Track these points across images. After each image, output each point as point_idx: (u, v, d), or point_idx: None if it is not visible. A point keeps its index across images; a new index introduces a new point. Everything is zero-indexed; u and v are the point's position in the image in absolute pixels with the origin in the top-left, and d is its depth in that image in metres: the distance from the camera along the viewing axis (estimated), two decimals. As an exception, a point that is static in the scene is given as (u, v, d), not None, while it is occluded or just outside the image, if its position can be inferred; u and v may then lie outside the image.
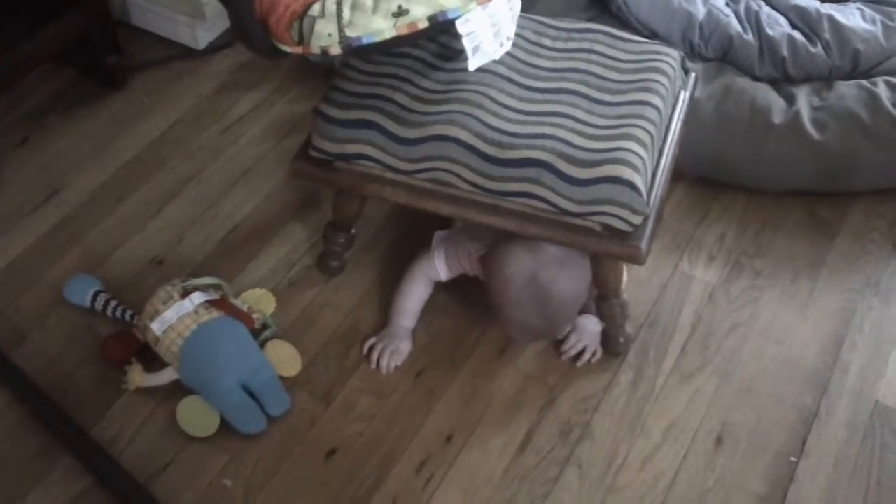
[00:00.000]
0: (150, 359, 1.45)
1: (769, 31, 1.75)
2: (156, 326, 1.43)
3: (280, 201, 1.77)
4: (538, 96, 1.34)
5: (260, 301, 1.58)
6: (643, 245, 1.28)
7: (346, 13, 1.18)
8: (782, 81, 1.76)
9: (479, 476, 1.37)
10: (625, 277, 1.44)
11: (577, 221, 1.29)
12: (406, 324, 1.52)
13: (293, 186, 1.79)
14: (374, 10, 1.18)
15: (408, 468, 1.38)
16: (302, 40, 1.21)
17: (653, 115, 1.32)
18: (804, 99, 1.70)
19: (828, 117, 1.66)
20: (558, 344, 1.51)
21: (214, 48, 2.09)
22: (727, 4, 1.81)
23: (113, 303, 1.53)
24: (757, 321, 1.55)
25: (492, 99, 1.33)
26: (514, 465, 1.38)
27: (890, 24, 1.77)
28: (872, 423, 1.42)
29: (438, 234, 1.52)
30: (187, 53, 2.07)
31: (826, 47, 1.74)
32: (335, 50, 1.20)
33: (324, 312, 1.59)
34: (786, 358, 1.50)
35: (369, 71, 1.40)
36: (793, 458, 1.38)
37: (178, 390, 1.43)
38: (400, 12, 1.18)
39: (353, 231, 1.60)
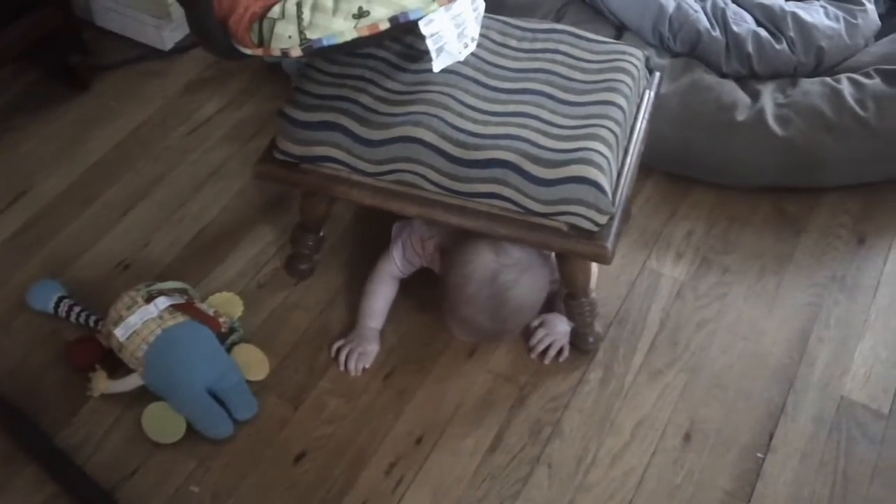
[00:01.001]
0: (115, 365, 1.44)
1: (735, 28, 1.76)
2: (120, 332, 1.41)
3: (248, 203, 1.76)
4: (503, 97, 1.34)
5: (227, 304, 1.56)
6: (609, 244, 1.28)
7: (307, 15, 1.17)
8: (748, 78, 1.77)
9: (450, 477, 1.37)
10: (594, 276, 1.45)
11: (544, 221, 1.29)
12: (373, 324, 1.51)
13: (261, 188, 1.77)
14: (335, 11, 1.17)
15: (378, 470, 1.37)
16: (262, 42, 1.20)
17: (617, 114, 1.33)
18: (769, 96, 1.71)
19: (792, 114, 1.67)
20: (528, 343, 1.51)
21: (181, 49, 2.07)
22: (695, 1, 1.82)
23: (77, 308, 1.51)
24: (725, 317, 1.56)
25: (457, 100, 1.33)
26: (485, 465, 1.38)
27: (853, 21, 1.79)
28: (838, 418, 1.43)
29: (396, 226, 1.52)
30: (154, 54, 2.05)
31: (791, 44, 1.75)
32: (296, 52, 1.19)
33: (292, 314, 1.58)
34: (753, 353, 1.51)
35: (333, 72, 1.39)
36: (760, 454, 1.39)
37: (143, 396, 1.41)
38: (360, 13, 1.17)
39: (321, 233, 1.59)
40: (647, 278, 1.62)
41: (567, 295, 1.43)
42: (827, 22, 1.77)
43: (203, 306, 1.49)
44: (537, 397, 1.46)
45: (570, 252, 1.31)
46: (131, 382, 1.42)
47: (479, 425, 1.43)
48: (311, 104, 1.35)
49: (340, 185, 1.37)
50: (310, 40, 1.18)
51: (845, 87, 1.68)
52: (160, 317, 1.43)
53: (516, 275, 1.33)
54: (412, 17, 1.19)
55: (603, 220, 1.27)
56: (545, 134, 1.28)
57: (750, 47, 1.75)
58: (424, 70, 1.35)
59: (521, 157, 1.26)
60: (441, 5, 1.21)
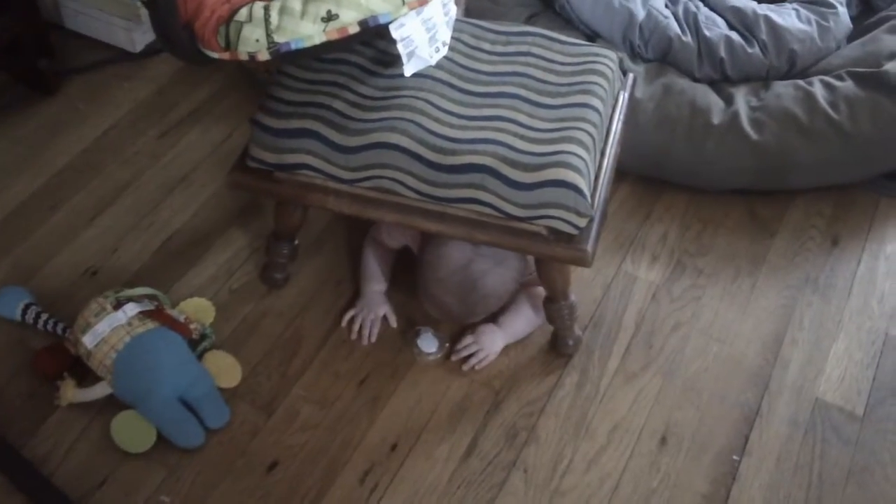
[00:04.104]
0: (84, 373, 1.41)
1: (707, 33, 1.76)
2: (88, 340, 1.39)
3: (220, 207, 1.74)
4: (478, 100, 1.33)
5: (198, 310, 1.54)
6: (589, 247, 1.27)
7: (274, 18, 1.15)
8: (721, 82, 1.78)
9: (425, 484, 1.35)
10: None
11: (523, 226, 1.28)
12: (376, 287, 1.52)
13: (233, 193, 1.75)
14: (303, 14, 1.15)
15: (352, 478, 1.36)
16: (229, 45, 1.18)
17: (593, 116, 1.32)
18: (742, 99, 1.71)
19: (765, 117, 1.68)
20: (502, 350, 1.50)
21: (151, 51, 2.04)
22: (666, 6, 1.82)
23: (44, 316, 1.48)
24: (699, 320, 1.56)
25: (432, 104, 1.31)
26: (460, 471, 1.37)
27: (825, 24, 1.80)
28: (813, 420, 1.43)
29: None
30: (124, 57, 2.02)
31: (763, 48, 1.75)
32: (263, 55, 1.17)
33: (265, 321, 1.56)
34: (728, 356, 1.51)
35: (306, 78, 1.37)
36: (735, 457, 1.39)
37: (112, 405, 1.39)
38: (329, 17, 1.16)
39: (296, 242, 1.57)
40: (623, 281, 1.62)
41: (546, 298, 1.42)
42: (799, 25, 1.78)
43: (173, 312, 1.47)
44: (513, 402, 1.45)
45: (551, 256, 1.31)
46: (100, 391, 1.39)
47: (454, 431, 1.42)
48: (284, 111, 1.33)
49: (316, 193, 1.36)
50: (277, 44, 1.16)
51: (818, 90, 1.69)
52: (129, 324, 1.40)
53: (490, 265, 1.36)
54: (382, 20, 1.18)
55: (582, 223, 1.26)
56: (522, 137, 1.27)
57: (722, 52, 1.75)
58: (398, 75, 1.34)
59: (499, 161, 1.25)
60: (411, 9, 1.20)
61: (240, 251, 1.66)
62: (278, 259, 1.57)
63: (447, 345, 1.51)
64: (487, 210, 1.28)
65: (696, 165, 1.70)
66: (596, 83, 1.36)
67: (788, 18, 1.78)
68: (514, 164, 1.25)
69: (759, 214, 1.73)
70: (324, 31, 1.16)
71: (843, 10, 1.81)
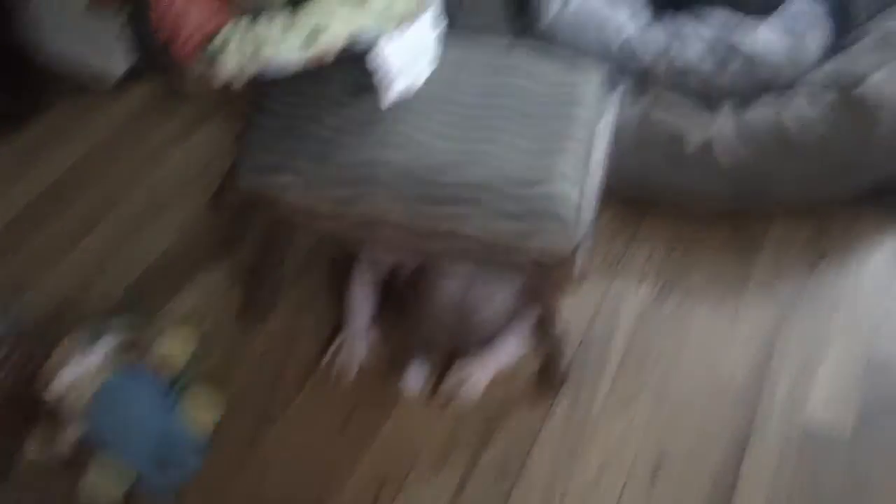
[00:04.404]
0: (54, 419, 1.36)
1: (681, 60, 1.75)
2: (60, 381, 1.34)
3: (201, 234, 1.69)
4: (465, 117, 1.31)
5: (180, 341, 1.49)
6: (578, 269, 1.26)
7: (255, 38, 1.12)
8: (697, 106, 1.76)
9: (415, 523, 1.32)
10: None
11: (514, 243, 1.25)
12: (360, 322, 1.50)
13: (214, 219, 1.71)
14: (287, 32, 1.12)
15: (339, 519, 1.32)
16: (212, 63, 1.14)
17: (580, 132, 1.30)
18: (720, 120, 1.70)
19: (739, 142, 1.67)
20: (491, 379, 1.47)
21: (129, 79, 1.99)
22: (639, 36, 1.80)
23: (12, 357, 1.42)
24: (688, 341, 1.55)
25: (417, 125, 1.29)
26: (452, 506, 1.34)
27: (797, 45, 1.78)
28: (805, 442, 1.42)
29: None
30: (100, 86, 1.97)
31: (737, 72, 1.74)
32: (244, 74, 1.13)
33: (247, 353, 1.52)
34: (717, 378, 1.50)
35: (290, 102, 1.34)
36: (730, 483, 1.37)
37: (83, 452, 1.34)
38: (311, 36, 1.13)
39: (279, 273, 1.53)
40: (611, 303, 1.60)
41: (536, 324, 1.40)
42: (774, 45, 1.77)
43: (152, 347, 1.42)
44: (503, 435, 1.42)
45: (541, 276, 1.28)
46: (71, 437, 1.34)
47: (444, 468, 1.39)
48: (270, 132, 1.30)
49: (302, 216, 1.32)
50: (260, 63, 1.13)
51: (793, 108, 1.68)
52: (106, 361, 1.36)
53: (482, 298, 1.34)
54: (366, 37, 1.15)
55: (570, 244, 1.24)
56: (511, 152, 1.26)
57: (698, 77, 1.74)
58: (378, 102, 1.31)
59: (489, 178, 1.22)
60: (395, 28, 1.17)
61: (222, 279, 1.63)
62: (261, 289, 1.53)
63: (434, 377, 1.47)
64: (476, 231, 1.25)
65: (676, 189, 1.69)
66: (581, 97, 1.35)
67: (760, 43, 1.76)
68: (500, 188, 1.22)
69: (742, 235, 1.71)
70: (308, 48, 1.13)
71: (822, 24, 1.80)
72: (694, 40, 1.77)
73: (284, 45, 1.13)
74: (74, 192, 1.76)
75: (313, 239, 1.67)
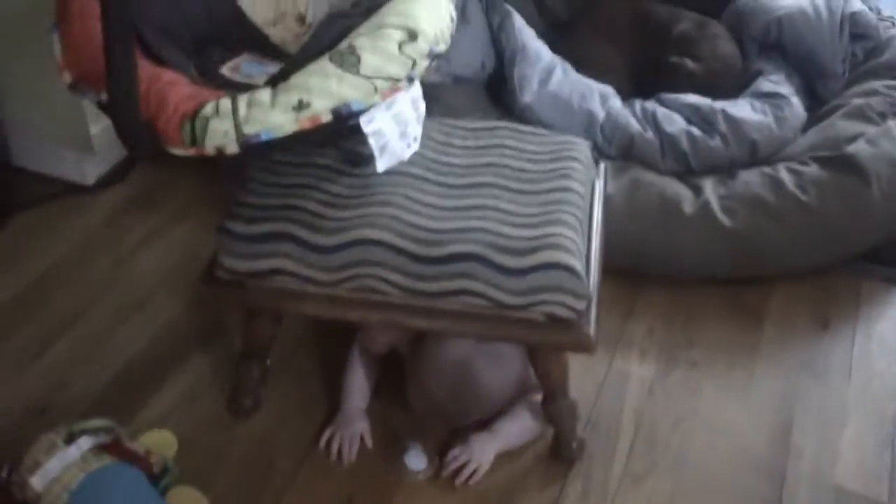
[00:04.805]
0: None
1: (668, 128, 1.77)
2: (37, 481, 1.23)
3: (180, 333, 1.63)
4: (457, 192, 1.28)
5: (160, 443, 1.40)
6: (591, 331, 1.20)
7: (243, 110, 1.10)
8: (686, 174, 1.76)
9: None
10: None
11: (518, 314, 1.20)
12: (355, 404, 1.42)
13: (193, 316, 1.65)
14: (273, 105, 1.10)
15: None
16: (195, 141, 1.11)
17: (576, 199, 1.28)
18: (710, 188, 1.71)
19: (735, 204, 1.66)
20: (497, 458, 1.38)
21: (105, 183, 1.97)
22: (623, 107, 1.83)
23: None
24: (700, 413, 1.48)
25: (409, 198, 1.26)
26: None
27: (780, 114, 1.82)
28: (839, 508, 1.33)
29: None
30: (75, 190, 1.95)
31: (723, 139, 1.76)
32: (232, 148, 1.10)
33: (233, 449, 1.42)
34: (737, 449, 1.42)
35: (275, 182, 1.31)
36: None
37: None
38: (301, 106, 1.10)
39: (268, 362, 1.46)
40: (615, 379, 1.53)
41: (545, 398, 1.33)
42: (755, 116, 1.80)
43: (132, 445, 1.33)
44: (515, 517, 1.32)
45: (549, 343, 1.23)
46: (51, 540, 1.23)
47: (455, 554, 1.28)
48: (254, 216, 1.26)
49: (292, 299, 1.27)
50: (247, 136, 1.10)
51: (784, 175, 1.69)
52: (83, 459, 1.26)
53: (490, 362, 1.28)
54: (354, 108, 1.13)
55: (581, 305, 1.19)
56: (508, 224, 1.22)
57: (684, 145, 1.75)
58: (370, 174, 1.29)
59: (488, 248, 1.18)
60: (383, 98, 1.16)
61: (202, 376, 1.54)
62: (247, 383, 1.45)
63: (437, 459, 1.38)
64: (479, 301, 1.20)
65: (672, 255, 1.67)
66: (573, 168, 1.33)
67: (744, 110, 1.80)
68: (503, 250, 1.18)
69: (743, 302, 1.68)
70: (295, 120, 1.10)
71: (795, 101, 1.84)
72: (678, 108, 1.78)
73: (269, 121, 1.11)
74: (46, 295, 1.70)
75: (301, 324, 1.61)
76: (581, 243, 1.23)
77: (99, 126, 1.87)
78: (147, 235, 1.85)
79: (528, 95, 1.76)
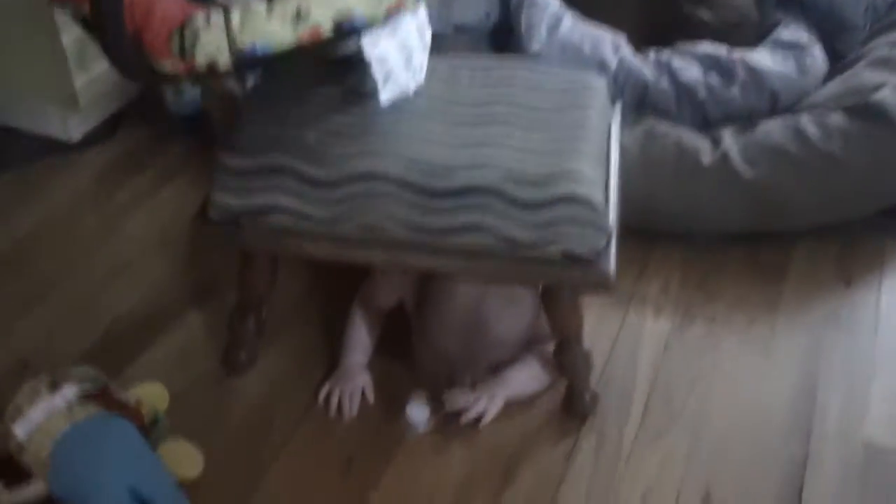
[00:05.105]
0: (14, 471, 1.16)
1: (683, 77, 1.69)
2: (19, 430, 1.16)
3: (171, 290, 1.55)
4: (466, 126, 1.20)
5: (150, 395, 1.32)
6: (610, 269, 1.12)
7: (236, 19, 1.02)
8: (703, 125, 1.69)
9: (435, 575, 1.12)
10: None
11: (533, 252, 1.12)
12: (356, 358, 1.34)
13: (185, 275, 1.58)
14: (269, 13, 1.02)
15: (345, 575, 1.12)
16: (184, 54, 1.03)
17: (593, 131, 1.20)
18: (729, 139, 1.63)
19: (757, 154, 1.58)
20: (506, 413, 1.30)
21: (91, 140, 1.89)
22: (634, 56, 1.75)
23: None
24: (720, 369, 1.40)
25: (415, 131, 1.18)
26: (476, 557, 1.14)
27: (802, 63, 1.74)
28: (868, 465, 1.26)
29: None
30: (59, 148, 1.86)
31: (742, 88, 1.68)
32: (224, 61, 1.02)
33: (229, 406, 1.35)
34: (759, 406, 1.35)
35: (272, 115, 1.23)
36: (792, 515, 1.19)
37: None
38: (300, 16, 1.02)
39: (263, 314, 1.38)
40: (629, 335, 1.46)
41: (558, 347, 1.25)
42: (776, 65, 1.72)
43: (121, 395, 1.25)
44: (526, 472, 1.25)
45: (566, 283, 1.15)
46: (33, 491, 1.15)
47: (462, 512, 1.20)
48: (251, 148, 1.18)
49: (291, 238, 1.19)
50: (241, 48, 1.02)
51: (807, 125, 1.61)
52: (68, 408, 1.18)
53: (502, 306, 1.19)
54: (357, 22, 1.06)
55: (600, 241, 1.11)
56: (522, 156, 1.14)
57: (702, 94, 1.68)
58: (373, 108, 1.21)
59: (500, 179, 1.10)
60: (389, 13, 1.08)
61: (196, 332, 1.46)
62: (243, 335, 1.37)
63: (440, 413, 1.30)
64: (491, 238, 1.12)
65: (689, 210, 1.59)
66: (589, 100, 1.25)
67: (764, 59, 1.72)
68: (517, 182, 1.10)
69: (762, 260, 1.60)
70: (294, 31, 1.02)
71: (817, 50, 1.76)
72: (694, 57, 1.71)
73: (265, 31, 1.03)
74: (31, 254, 1.62)
75: (300, 280, 1.53)
76: (600, 176, 1.16)
77: (84, 79, 1.79)
78: (136, 195, 1.77)
79: (537, 43, 1.68)
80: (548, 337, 1.28)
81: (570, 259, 1.12)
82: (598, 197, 1.11)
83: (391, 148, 1.14)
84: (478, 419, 1.28)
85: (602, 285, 1.13)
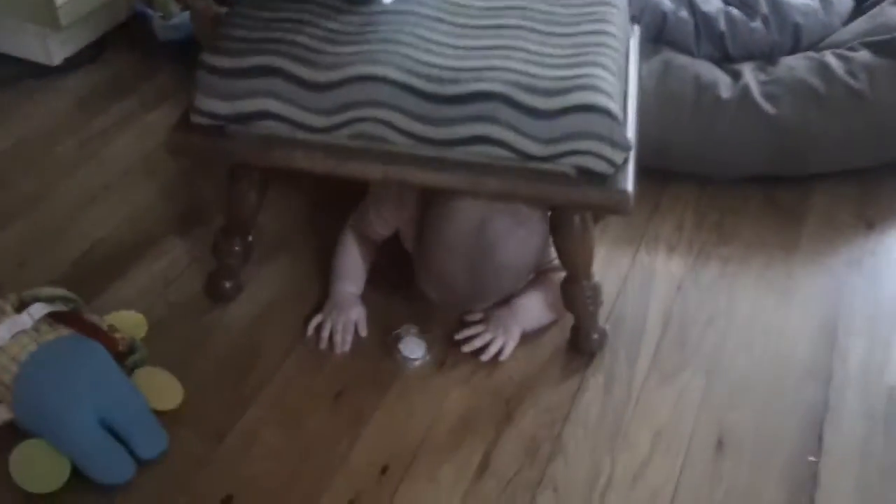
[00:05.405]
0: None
1: (703, 7, 1.60)
2: (-18, 350, 1.07)
3: (152, 216, 1.45)
4: (476, 32, 1.11)
5: (127, 324, 1.23)
6: (628, 187, 1.03)
7: None
8: (722, 60, 1.59)
9: (429, 512, 1.05)
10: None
11: (546, 167, 1.03)
12: (349, 288, 1.25)
13: (168, 200, 1.48)
14: None
15: (333, 510, 1.04)
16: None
17: (613, 43, 1.11)
18: (750, 74, 1.54)
19: (779, 90, 1.49)
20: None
21: (72, 65, 1.78)
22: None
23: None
24: (736, 311, 1.32)
25: (420, 37, 1.09)
26: (473, 494, 1.07)
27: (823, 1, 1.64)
28: (891, 411, 1.18)
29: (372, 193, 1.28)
30: (39, 71, 1.75)
31: (765, 22, 1.59)
32: None
33: (212, 335, 1.26)
34: (777, 349, 1.27)
35: (264, 17, 1.13)
36: (812, 458, 1.11)
37: (12, 434, 1.06)
38: None
39: (250, 238, 1.28)
40: (640, 274, 1.37)
41: (566, 279, 1.16)
42: (797, 2, 1.62)
43: (94, 318, 1.16)
44: (528, 410, 1.17)
45: (580, 203, 1.06)
46: (2, 416, 1.06)
47: (460, 448, 1.12)
48: (240, 48, 1.08)
49: (281, 147, 1.09)
50: None
51: (832, 61, 1.52)
52: (36, 329, 1.10)
53: (509, 225, 1.09)
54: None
55: (619, 157, 1.02)
56: (536, 63, 1.05)
57: (722, 26, 1.58)
58: (374, 12, 1.11)
59: (513, 87, 1.01)
60: None
61: (178, 259, 1.37)
62: (228, 259, 1.28)
63: (436, 349, 1.22)
64: (500, 151, 1.03)
65: (706, 148, 1.50)
66: (610, 13, 1.15)
67: (788, -6, 1.62)
68: (530, 90, 1.01)
69: (781, 201, 1.52)
70: None
71: (841, -9, 1.67)
72: (714, -11, 1.61)
73: None
74: (4, 176, 1.52)
75: (291, 203, 1.44)
76: (619, 89, 1.06)
77: (66, -5, 1.68)
78: (119, 120, 1.67)
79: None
80: (558, 265, 1.19)
81: (585, 176, 1.03)
82: (616, 109, 1.02)
83: (392, 50, 1.05)
84: (496, 355, 1.20)
85: (619, 206, 1.03)
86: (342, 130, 1.06)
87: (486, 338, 1.20)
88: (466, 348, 1.20)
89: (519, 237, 1.10)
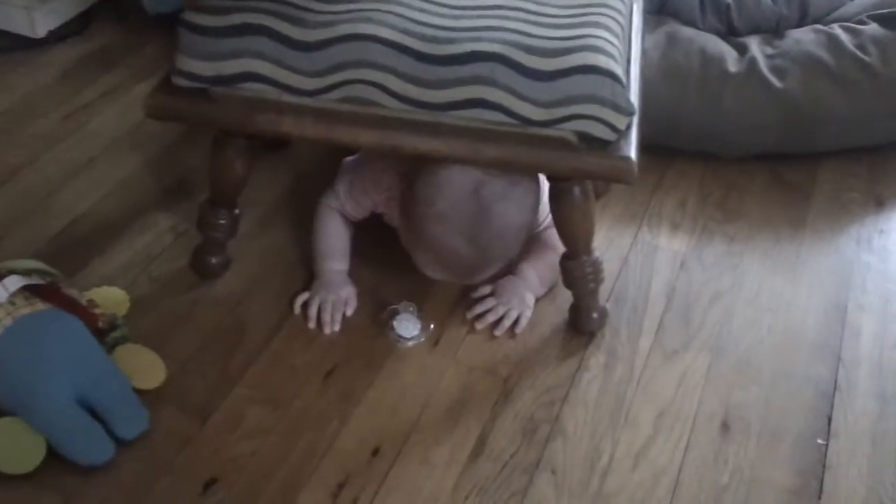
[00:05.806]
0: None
1: (709, -22, 1.54)
2: (-48, 324, 1.02)
3: (136, 190, 1.40)
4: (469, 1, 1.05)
5: (108, 301, 1.18)
6: (632, 155, 0.97)
7: None
8: (727, 33, 1.55)
9: (422, 494, 1.00)
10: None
11: (545, 132, 0.97)
12: (337, 266, 1.20)
13: (156, 174, 1.43)
14: None
15: (322, 492, 0.99)
16: None
17: (617, 4, 1.06)
18: (757, 47, 1.49)
19: (787, 63, 1.45)
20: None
21: (57, 37, 1.72)
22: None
23: None
24: (742, 289, 1.27)
25: (409, 3, 1.03)
26: (468, 476, 1.02)
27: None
28: (906, 392, 1.14)
29: (348, 161, 1.22)
30: (22, 44, 1.70)
31: (772, -9, 1.54)
32: None
33: (196, 312, 1.21)
34: (785, 327, 1.22)
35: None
36: (820, 441, 1.07)
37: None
38: None
39: (237, 210, 1.23)
40: (642, 251, 1.33)
41: (565, 255, 1.12)
42: (805, -25, 1.57)
43: (73, 292, 1.11)
44: (526, 390, 1.12)
45: (581, 171, 1.00)
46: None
47: (455, 429, 1.07)
48: (223, 5, 1.03)
49: (268, 111, 1.04)
50: None
51: (840, 34, 1.47)
52: (11, 302, 1.05)
53: (503, 187, 1.04)
54: None
55: (622, 122, 0.97)
56: (536, 24, 1.00)
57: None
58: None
59: (511, 47, 0.96)
60: None
61: (162, 234, 1.32)
62: (214, 233, 1.23)
63: (431, 327, 1.18)
64: (497, 115, 0.98)
65: (713, 124, 1.45)
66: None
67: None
68: (530, 50, 0.96)
69: (787, 179, 1.47)
70: None
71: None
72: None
73: None
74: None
75: (280, 174, 1.39)
76: (622, 51, 1.01)
77: (51, -35, 1.62)
78: (105, 93, 1.62)
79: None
80: (550, 223, 1.14)
81: (587, 141, 0.98)
82: (619, 71, 0.97)
83: (385, 9, 1.00)
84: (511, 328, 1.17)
85: (622, 174, 0.98)
86: (332, 93, 1.01)
87: (500, 311, 1.15)
88: (480, 325, 1.16)
89: (515, 197, 1.05)
